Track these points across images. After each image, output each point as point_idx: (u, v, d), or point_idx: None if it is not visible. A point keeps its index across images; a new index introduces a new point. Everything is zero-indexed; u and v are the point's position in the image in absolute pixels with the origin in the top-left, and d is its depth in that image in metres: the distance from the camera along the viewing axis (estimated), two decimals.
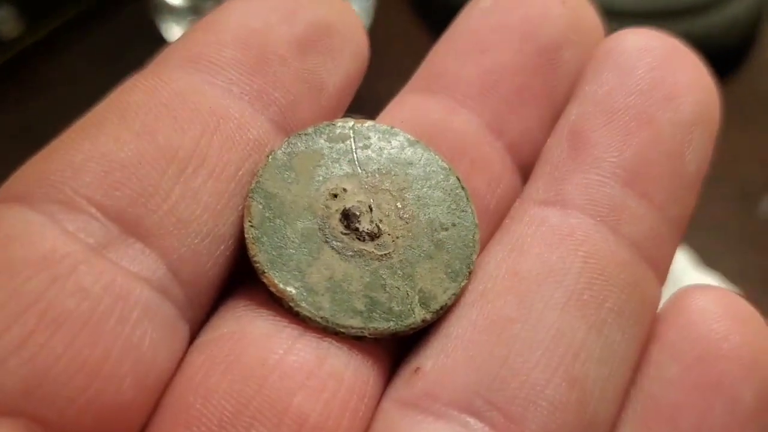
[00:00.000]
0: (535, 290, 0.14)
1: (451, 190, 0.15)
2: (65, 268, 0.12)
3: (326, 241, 0.14)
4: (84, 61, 0.42)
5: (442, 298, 0.14)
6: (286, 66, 0.15)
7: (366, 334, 0.14)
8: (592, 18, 0.17)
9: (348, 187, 0.15)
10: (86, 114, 0.14)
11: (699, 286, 0.15)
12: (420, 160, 0.15)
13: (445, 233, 0.15)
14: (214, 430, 0.12)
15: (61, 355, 0.12)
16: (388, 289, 0.14)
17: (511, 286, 0.14)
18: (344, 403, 0.13)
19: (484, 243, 0.15)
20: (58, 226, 0.12)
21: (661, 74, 0.15)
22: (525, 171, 0.16)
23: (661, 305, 0.15)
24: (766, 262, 0.37)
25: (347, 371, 0.13)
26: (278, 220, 0.14)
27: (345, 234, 0.14)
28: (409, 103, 0.16)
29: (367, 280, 0.14)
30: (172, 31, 0.41)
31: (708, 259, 0.35)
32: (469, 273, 0.15)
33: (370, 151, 0.15)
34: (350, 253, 0.14)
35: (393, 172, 0.15)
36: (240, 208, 0.14)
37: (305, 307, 0.14)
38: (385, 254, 0.14)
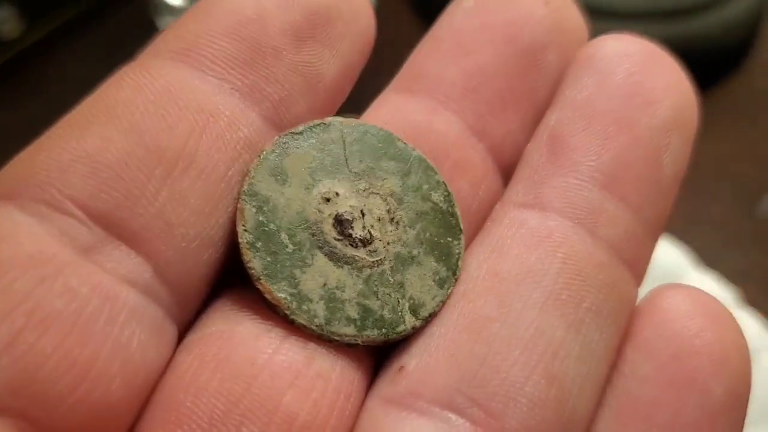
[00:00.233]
0: (515, 290, 0.14)
1: (438, 195, 0.15)
2: (52, 268, 0.12)
3: (319, 247, 0.14)
4: (84, 60, 0.42)
5: (431, 305, 0.14)
6: (281, 59, 0.14)
7: (359, 342, 0.14)
8: (575, 19, 0.17)
9: (340, 191, 0.15)
10: (74, 108, 0.14)
11: (672, 285, 0.15)
12: (408, 164, 0.15)
13: (432, 239, 0.15)
14: (205, 428, 0.12)
15: (51, 355, 0.12)
16: (380, 296, 0.14)
17: (491, 286, 0.14)
18: (332, 402, 0.13)
19: (467, 245, 0.15)
20: (45, 227, 0.12)
21: (640, 79, 0.16)
22: (507, 173, 0.16)
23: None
24: (766, 262, 0.37)
25: (334, 372, 0.13)
26: (272, 225, 0.14)
27: (338, 240, 0.14)
28: (391, 103, 0.16)
29: (360, 287, 0.14)
30: None
31: (708, 258, 0.35)
32: (456, 280, 0.15)
33: (360, 153, 0.15)
34: (343, 260, 0.14)
35: (383, 176, 0.15)
36: (229, 210, 0.14)
37: (300, 315, 0.14)
38: (377, 261, 0.14)
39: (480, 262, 0.15)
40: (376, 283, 0.14)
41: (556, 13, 0.16)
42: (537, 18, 0.16)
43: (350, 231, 0.14)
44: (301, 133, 0.15)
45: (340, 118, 0.15)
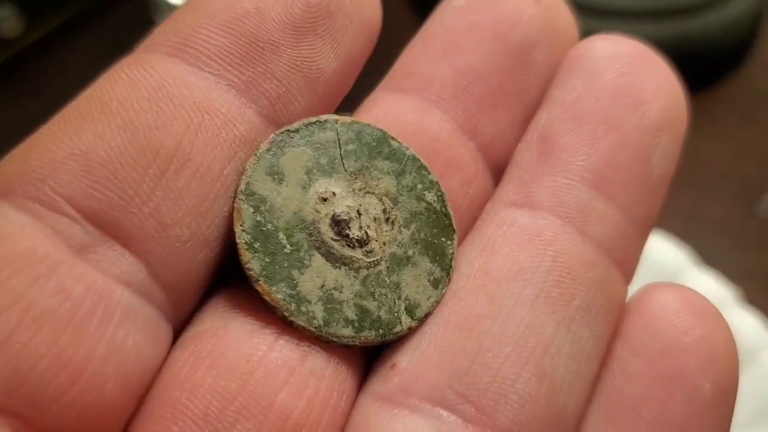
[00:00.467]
0: (505, 288, 0.14)
1: (432, 195, 0.15)
2: (46, 267, 0.12)
3: (317, 248, 0.14)
4: (84, 59, 0.42)
5: (426, 306, 0.15)
6: (279, 54, 0.14)
7: (357, 343, 0.14)
8: (565, 18, 0.17)
9: (336, 190, 0.15)
10: (69, 104, 0.13)
11: (662, 284, 0.15)
12: (403, 164, 0.15)
13: (427, 240, 0.15)
14: (200, 425, 0.12)
15: (44, 355, 0.12)
16: (377, 297, 0.14)
17: (482, 284, 0.15)
18: (325, 399, 0.13)
19: (458, 243, 0.16)
20: (39, 226, 0.12)
21: (629, 80, 0.16)
22: (497, 171, 0.16)
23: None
24: (766, 261, 0.37)
25: (327, 369, 0.14)
26: (269, 225, 0.14)
27: (335, 240, 0.14)
28: (383, 102, 0.16)
29: (357, 288, 0.14)
30: None
31: (708, 257, 0.35)
32: (449, 280, 0.15)
33: (356, 152, 0.15)
34: (340, 260, 0.14)
35: (378, 176, 0.15)
36: (225, 209, 0.14)
37: (299, 317, 0.14)
38: (373, 261, 0.14)
39: (471, 261, 0.15)
40: (373, 283, 0.14)
41: (546, 12, 0.17)
42: (527, 17, 0.16)
43: (347, 231, 0.14)
44: (296, 130, 0.14)
45: (335, 116, 0.15)
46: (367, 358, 0.15)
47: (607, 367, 0.15)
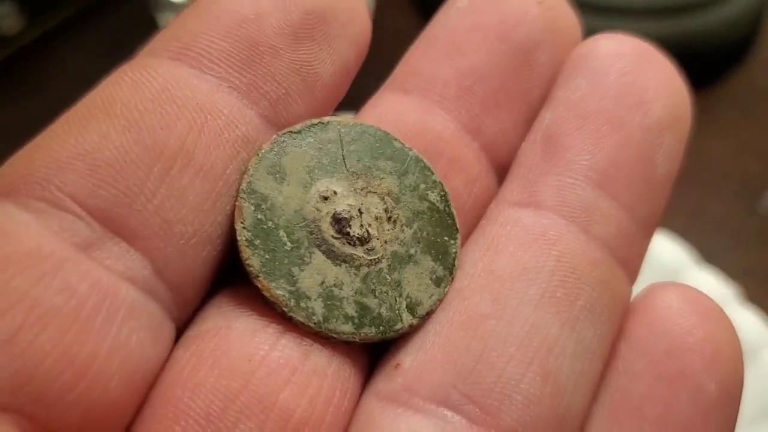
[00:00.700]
0: (510, 288, 0.14)
1: (435, 194, 0.15)
2: (51, 265, 0.12)
3: (317, 245, 0.14)
4: (84, 57, 0.42)
5: (428, 304, 0.15)
6: (278, 57, 0.14)
7: (356, 339, 0.14)
8: (569, 18, 0.17)
9: (338, 189, 0.15)
10: (73, 107, 0.14)
11: (666, 283, 0.15)
12: (405, 164, 0.15)
13: (429, 238, 0.15)
14: (202, 424, 0.12)
15: (49, 352, 0.12)
16: (377, 294, 0.14)
17: (486, 284, 0.14)
18: (328, 398, 0.13)
19: (462, 243, 0.16)
20: (43, 224, 0.12)
21: (633, 79, 0.16)
22: (501, 171, 0.16)
23: None
24: (767, 259, 0.37)
25: (330, 368, 0.14)
26: (270, 223, 0.14)
27: (336, 238, 0.14)
28: (386, 102, 0.16)
29: (358, 285, 0.14)
30: None
31: (709, 255, 0.35)
32: (452, 279, 0.15)
33: (358, 152, 0.15)
34: (341, 258, 0.14)
35: (380, 175, 0.15)
36: (227, 208, 0.14)
37: (299, 313, 0.14)
38: (374, 259, 0.14)
39: (475, 260, 0.15)
40: (373, 281, 0.14)
41: (549, 13, 0.17)
42: (530, 17, 0.16)
43: (348, 229, 0.14)
44: (299, 132, 0.15)
45: (337, 118, 0.15)
46: (372, 357, 0.15)
47: (612, 367, 0.15)
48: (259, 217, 0.14)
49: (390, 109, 0.16)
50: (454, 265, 0.15)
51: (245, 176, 0.14)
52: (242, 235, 0.14)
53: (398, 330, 0.14)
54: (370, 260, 0.14)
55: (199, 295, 0.14)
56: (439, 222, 0.15)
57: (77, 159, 0.13)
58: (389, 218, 0.15)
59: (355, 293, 0.14)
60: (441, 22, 0.17)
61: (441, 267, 0.15)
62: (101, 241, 0.13)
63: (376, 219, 0.15)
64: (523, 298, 0.14)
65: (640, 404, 0.14)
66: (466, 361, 0.14)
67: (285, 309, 0.14)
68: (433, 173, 0.15)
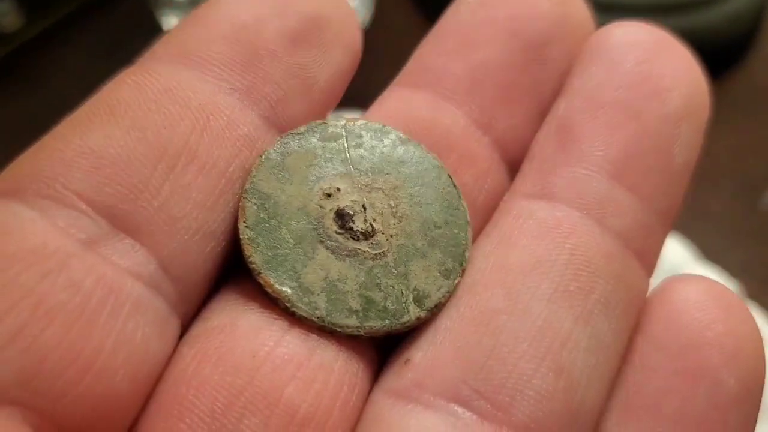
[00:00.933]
0: (522, 282, 0.14)
1: (443, 188, 0.15)
2: (56, 262, 0.12)
3: (321, 241, 0.14)
4: (84, 54, 0.42)
5: (436, 296, 0.14)
6: (277, 61, 0.15)
7: (362, 333, 0.14)
8: (581, 12, 0.17)
9: (341, 186, 0.15)
10: (76, 109, 0.14)
11: (685, 276, 0.15)
12: (412, 159, 0.15)
13: (438, 231, 0.15)
14: (207, 421, 0.12)
15: (55, 347, 0.12)
16: (382, 287, 0.14)
17: (498, 278, 0.14)
18: (334, 394, 0.13)
19: (474, 238, 0.15)
20: (49, 221, 0.12)
21: (649, 68, 0.16)
22: (512, 166, 0.16)
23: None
24: (767, 257, 0.37)
25: (337, 363, 0.13)
26: (273, 221, 0.14)
27: (339, 234, 0.14)
28: (396, 98, 0.16)
29: (362, 279, 0.14)
30: (172, 24, 0.41)
31: (709, 253, 0.35)
32: (462, 271, 0.15)
33: (362, 150, 0.15)
34: (345, 253, 0.14)
35: (386, 171, 0.15)
36: (231, 204, 0.14)
37: (301, 308, 0.14)
38: (380, 253, 0.14)
39: (487, 254, 0.15)
40: (378, 275, 0.14)
41: (560, 7, 0.16)
42: (541, 12, 0.16)
43: (351, 224, 0.14)
44: (302, 133, 0.15)
45: (343, 118, 0.15)
46: (382, 354, 0.14)
47: (629, 362, 0.14)
48: (261, 215, 0.14)
49: (400, 104, 0.16)
50: (464, 257, 0.15)
51: (249, 177, 0.14)
52: (245, 234, 0.14)
53: (405, 323, 0.14)
54: (375, 254, 0.14)
55: (204, 290, 0.14)
56: (447, 214, 0.15)
57: (82, 157, 0.13)
58: (395, 213, 0.15)
59: (360, 287, 0.14)
60: (452, 17, 0.17)
61: (450, 259, 0.15)
62: (107, 237, 0.13)
63: (381, 214, 0.15)
64: (535, 292, 0.14)
65: (657, 399, 0.14)
66: (477, 357, 0.14)
67: (288, 304, 0.14)
68: (442, 168, 0.15)
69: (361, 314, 0.14)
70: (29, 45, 0.42)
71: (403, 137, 0.15)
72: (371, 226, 0.15)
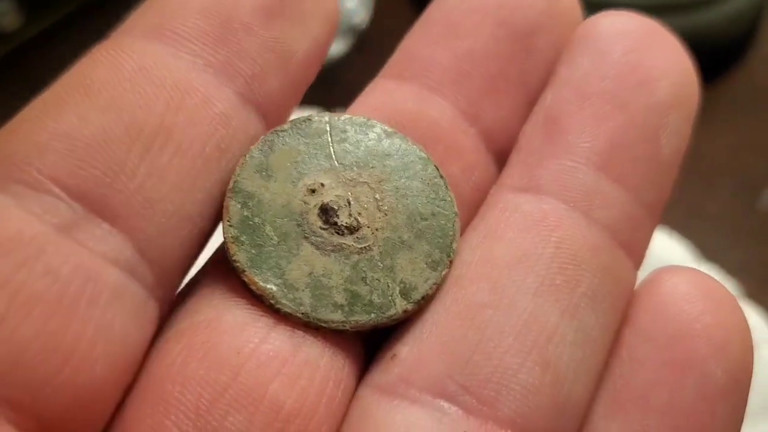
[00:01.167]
0: (507, 276, 0.14)
1: (430, 179, 0.15)
2: (33, 250, 0.12)
3: (305, 237, 0.14)
4: (83, 53, 0.42)
5: (423, 288, 0.14)
6: (252, 35, 0.14)
7: (347, 327, 0.14)
8: (569, 1, 0.17)
9: (325, 181, 0.15)
10: (48, 89, 0.13)
11: (673, 268, 0.15)
12: (397, 151, 0.15)
13: (425, 223, 0.15)
14: (192, 418, 0.12)
15: (34, 338, 0.12)
16: (368, 281, 0.14)
17: (484, 272, 0.14)
18: (320, 390, 0.13)
19: (462, 230, 0.15)
20: (24, 207, 0.12)
21: (637, 57, 0.15)
22: (500, 158, 0.16)
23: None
24: (766, 256, 0.37)
25: (322, 359, 0.13)
26: (257, 219, 0.14)
27: (324, 229, 0.14)
28: (382, 90, 0.16)
29: (348, 273, 0.14)
30: None
31: (708, 252, 0.35)
32: (450, 262, 0.15)
33: (347, 145, 0.15)
34: (330, 248, 0.14)
35: (371, 165, 0.15)
36: (207, 185, 0.14)
37: (286, 304, 0.14)
38: (365, 247, 0.14)
39: (473, 248, 0.15)
40: (364, 268, 0.14)
41: None
42: (529, 1, 0.16)
43: (335, 219, 0.14)
44: (286, 130, 0.15)
45: (326, 113, 0.15)
46: (368, 349, 0.14)
47: (616, 354, 0.14)
48: (245, 214, 0.14)
49: (386, 96, 0.16)
50: (451, 248, 0.15)
51: (233, 176, 0.14)
52: (228, 233, 0.14)
53: (392, 316, 0.14)
54: (361, 248, 0.14)
55: (182, 273, 0.14)
56: (434, 205, 0.15)
57: (56, 140, 0.13)
58: (380, 206, 0.15)
59: (345, 282, 0.14)
60: (438, 6, 0.17)
61: (437, 250, 0.15)
62: (83, 222, 0.13)
63: (366, 208, 0.15)
64: (521, 286, 0.14)
65: (645, 391, 0.14)
66: (463, 352, 0.13)
67: (272, 301, 0.14)
68: (428, 160, 0.15)
69: (346, 309, 0.14)
70: (29, 45, 0.42)
71: (389, 130, 0.15)
72: (356, 220, 0.14)
